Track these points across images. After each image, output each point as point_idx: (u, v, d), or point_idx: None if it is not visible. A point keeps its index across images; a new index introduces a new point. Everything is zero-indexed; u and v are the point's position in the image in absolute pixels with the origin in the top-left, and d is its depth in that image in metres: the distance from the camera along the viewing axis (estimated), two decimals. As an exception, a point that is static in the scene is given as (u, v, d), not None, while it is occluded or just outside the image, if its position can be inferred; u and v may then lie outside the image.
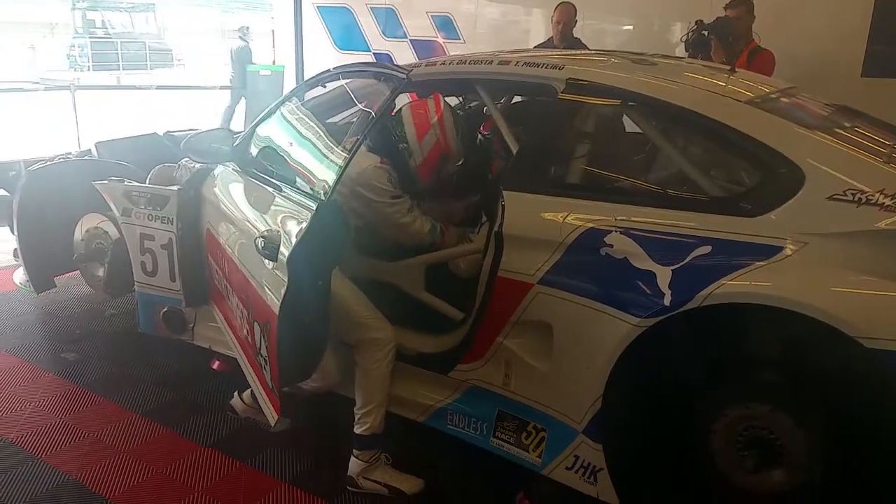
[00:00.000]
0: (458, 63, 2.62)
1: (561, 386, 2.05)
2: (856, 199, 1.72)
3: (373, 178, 2.32)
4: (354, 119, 2.77)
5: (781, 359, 1.79)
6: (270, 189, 2.27)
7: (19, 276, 3.60)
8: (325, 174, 2.03)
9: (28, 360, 3.19)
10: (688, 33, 3.56)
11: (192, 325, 2.93)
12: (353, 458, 2.26)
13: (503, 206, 2.13)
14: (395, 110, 2.41)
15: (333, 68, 2.48)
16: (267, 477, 2.36)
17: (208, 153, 2.69)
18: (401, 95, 2.17)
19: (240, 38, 9.68)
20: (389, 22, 6.05)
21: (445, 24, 5.78)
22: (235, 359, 2.71)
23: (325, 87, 2.60)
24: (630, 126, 2.38)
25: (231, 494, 2.28)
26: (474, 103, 3.32)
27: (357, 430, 2.24)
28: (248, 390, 2.55)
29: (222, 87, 9.77)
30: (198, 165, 2.87)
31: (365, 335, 2.24)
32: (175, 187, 2.82)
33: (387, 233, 2.40)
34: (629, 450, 1.97)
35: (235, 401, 2.64)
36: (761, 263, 1.72)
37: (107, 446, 2.53)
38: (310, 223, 1.89)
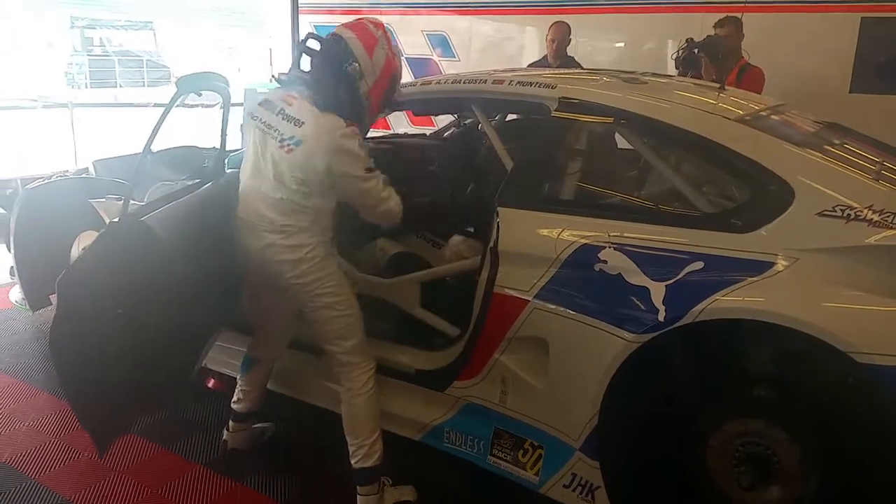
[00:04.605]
0: (453, 82, 2.65)
1: (557, 402, 2.05)
2: (845, 215, 1.75)
3: (347, 143, 1.99)
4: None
5: (775, 374, 1.80)
6: None
7: (15, 294, 3.59)
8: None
9: (23, 379, 3.17)
10: (678, 51, 3.61)
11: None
12: (360, 498, 2.18)
13: (498, 222, 2.15)
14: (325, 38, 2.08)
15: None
16: (262, 497, 2.35)
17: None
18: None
19: None
20: (385, 40, 6.10)
21: (441, 42, 5.83)
22: (231, 377, 2.71)
23: None
24: (623, 144, 2.41)
25: (227, 514, 2.27)
26: (469, 121, 3.35)
27: (360, 464, 2.16)
28: (231, 421, 2.52)
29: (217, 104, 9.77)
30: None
31: (359, 358, 2.18)
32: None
33: (359, 206, 2.13)
34: (626, 467, 1.97)
35: (228, 437, 2.52)
36: (753, 279, 1.74)
37: (101, 466, 2.50)
38: (94, 243, 1.70)
